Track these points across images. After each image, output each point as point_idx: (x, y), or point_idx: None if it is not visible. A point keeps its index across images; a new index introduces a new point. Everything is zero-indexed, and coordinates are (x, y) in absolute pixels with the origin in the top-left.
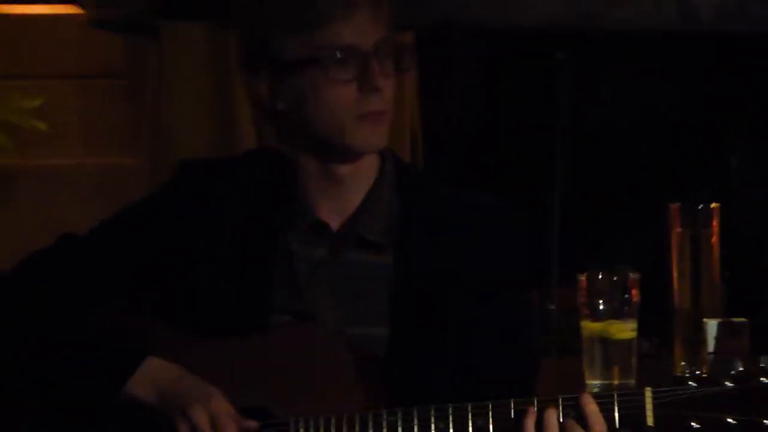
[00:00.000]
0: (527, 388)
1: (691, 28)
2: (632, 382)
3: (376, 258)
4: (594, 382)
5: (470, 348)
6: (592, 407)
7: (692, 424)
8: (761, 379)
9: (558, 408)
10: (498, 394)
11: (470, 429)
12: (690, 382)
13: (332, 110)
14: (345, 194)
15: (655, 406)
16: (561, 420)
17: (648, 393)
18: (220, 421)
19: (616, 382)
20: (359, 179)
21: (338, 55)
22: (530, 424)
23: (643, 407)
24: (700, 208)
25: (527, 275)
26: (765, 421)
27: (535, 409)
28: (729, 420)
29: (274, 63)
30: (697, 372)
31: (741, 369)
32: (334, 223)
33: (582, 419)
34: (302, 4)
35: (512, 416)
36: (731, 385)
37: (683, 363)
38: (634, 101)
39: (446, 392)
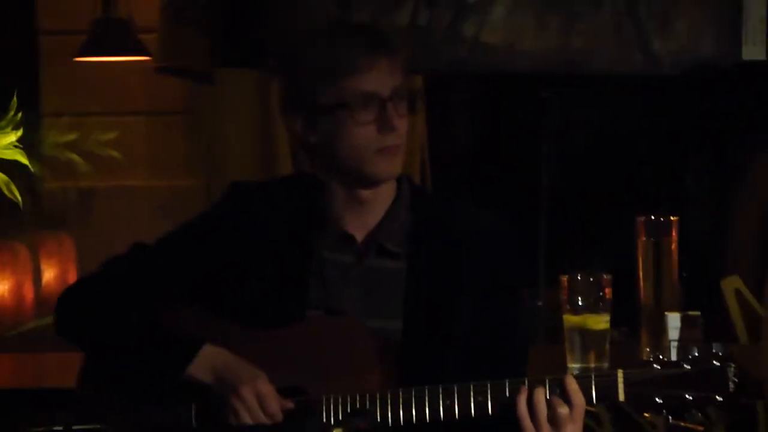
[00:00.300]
0: (519, 372)
1: (654, 72)
2: (606, 365)
3: (394, 264)
4: (574, 365)
5: (471, 338)
6: (573, 386)
7: (656, 399)
8: (713, 362)
9: (545, 387)
10: (495, 377)
11: (472, 404)
12: (655, 365)
13: (355, 146)
14: (368, 212)
15: (626, 385)
16: (548, 397)
17: (619, 374)
18: (265, 399)
19: (592, 365)
20: (380, 200)
21: (361, 102)
22: (522, 400)
23: (615, 386)
24: (661, 220)
25: (518, 279)
26: (717, 397)
27: (526, 387)
28: (687, 396)
29: (309, 105)
30: (660, 356)
31: (696, 354)
32: (359, 235)
33: (565, 396)
34: (333, 58)
35: (507, 394)
36: (689, 367)
37: (648, 349)
38: (607, 131)
39: (452, 375)
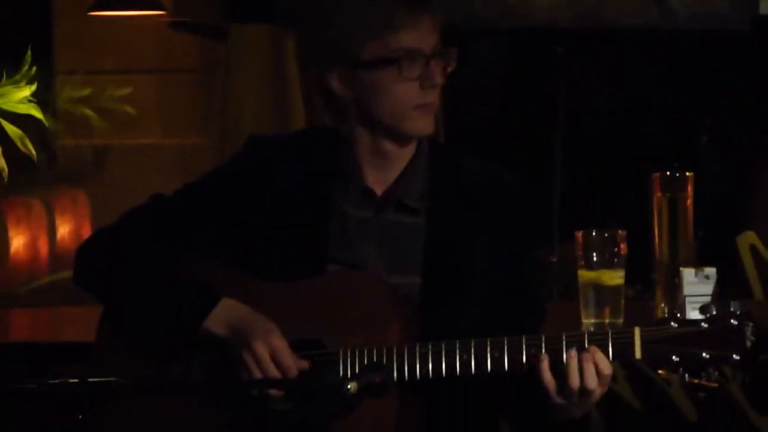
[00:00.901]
0: (537, 329)
1: (669, 27)
2: (621, 321)
3: (412, 219)
4: (589, 321)
5: (489, 294)
6: (600, 356)
7: (673, 357)
8: (731, 320)
9: (575, 354)
10: (512, 333)
11: (489, 360)
12: (672, 323)
13: (397, 102)
14: (389, 167)
15: (643, 343)
16: (580, 366)
17: (636, 332)
18: (278, 353)
19: (607, 321)
20: (402, 155)
21: (408, 57)
22: (546, 368)
23: (632, 343)
24: (677, 175)
25: (534, 235)
26: (734, 356)
27: (547, 356)
28: (704, 354)
29: (349, 60)
30: (677, 314)
31: (713, 312)
32: (379, 189)
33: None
34: (377, 14)
35: (524, 351)
36: (706, 325)
37: (663, 305)
38: (622, 88)
39: (470, 331)
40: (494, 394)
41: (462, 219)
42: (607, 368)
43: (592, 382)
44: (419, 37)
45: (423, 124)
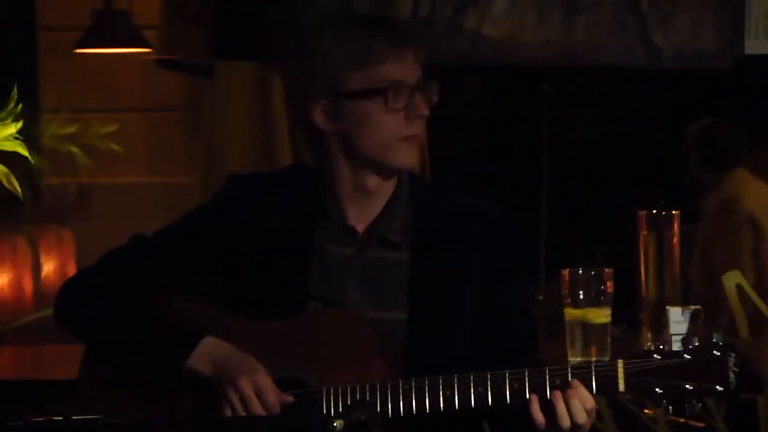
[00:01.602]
0: (530, 361)
1: (655, 65)
2: (607, 359)
3: (395, 255)
4: (575, 359)
5: (477, 327)
6: (582, 391)
7: (656, 389)
8: (713, 352)
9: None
10: (503, 367)
11: (472, 396)
12: (655, 355)
13: (383, 133)
14: (371, 203)
15: (626, 375)
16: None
17: (620, 364)
18: (263, 391)
19: (593, 359)
20: (383, 190)
21: (393, 88)
22: (536, 408)
23: (615, 376)
24: (663, 214)
25: (522, 265)
26: (717, 386)
27: (536, 396)
28: (687, 386)
29: (333, 92)
30: (661, 347)
31: (696, 344)
32: (360, 226)
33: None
34: (361, 46)
35: (507, 386)
36: (689, 357)
37: (649, 344)
38: (607, 125)
39: (458, 366)
40: (485, 425)
41: (446, 252)
42: (590, 402)
43: (581, 417)
44: (403, 68)
45: (408, 157)
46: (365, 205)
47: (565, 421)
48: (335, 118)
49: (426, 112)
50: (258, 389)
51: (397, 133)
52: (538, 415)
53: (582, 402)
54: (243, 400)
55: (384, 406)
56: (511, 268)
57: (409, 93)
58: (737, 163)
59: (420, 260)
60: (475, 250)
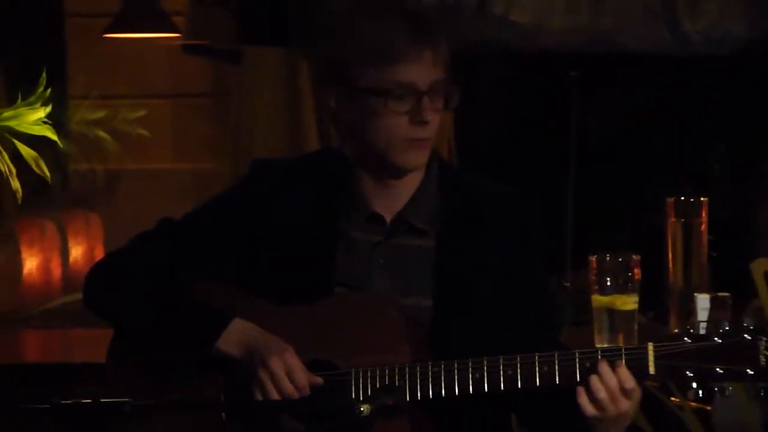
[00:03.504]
0: (551, 343)
1: (683, 52)
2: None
3: (422, 242)
4: (602, 347)
5: (499, 313)
6: (625, 372)
7: (687, 372)
8: (744, 335)
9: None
10: (526, 350)
11: (501, 378)
12: (685, 338)
13: (387, 133)
14: (397, 192)
15: (656, 358)
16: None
17: (650, 347)
18: (294, 372)
19: (621, 346)
20: (408, 181)
21: (398, 91)
22: (585, 401)
23: (646, 359)
24: (691, 200)
25: (543, 253)
26: (748, 370)
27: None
28: (717, 369)
29: (345, 84)
30: (691, 330)
31: (727, 327)
32: (388, 215)
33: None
34: (379, 42)
35: (536, 368)
36: (719, 340)
37: (676, 331)
38: (635, 112)
39: (480, 349)
40: (519, 412)
41: (471, 240)
42: (629, 381)
43: (624, 404)
44: (417, 71)
45: (414, 158)
46: (391, 194)
47: (611, 410)
48: (346, 108)
49: (430, 118)
50: (289, 369)
51: (402, 135)
52: (589, 408)
53: (621, 381)
54: (274, 380)
55: (413, 389)
56: (532, 256)
57: (416, 97)
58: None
59: (445, 247)
60: (500, 237)
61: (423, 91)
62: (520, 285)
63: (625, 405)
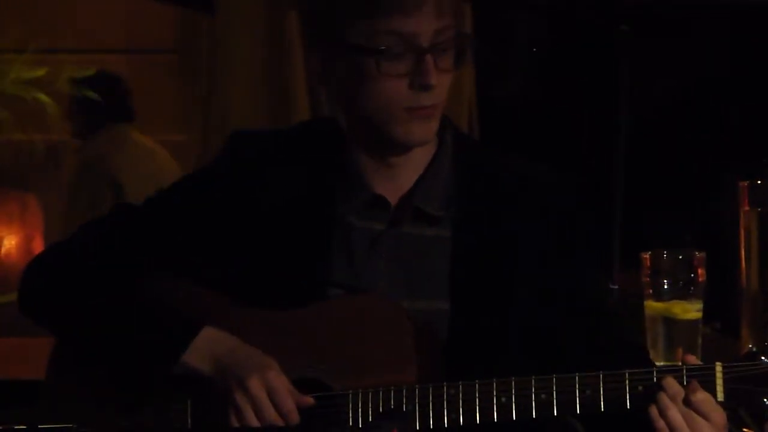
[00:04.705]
0: (602, 357)
1: (755, 2)
2: (698, 362)
3: (435, 231)
4: (658, 363)
5: (534, 321)
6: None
7: (764, 400)
8: None
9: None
10: (567, 368)
11: (534, 403)
12: (762, 358)
13: (383, 100)
14: (402, 171)
15: (726, 381)
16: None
17: (718, 368)
18: (277, 393)
19: (680, 363)
20: (415, 157)
21: (395, 49)
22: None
23: (713, 382)
24: None
25: (588, 242)
26: None
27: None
28: None
29: (331, 41)
30: None
31: None
32: (392, 197)
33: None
34: None
35: (577, 390)
36: None
37: (750, 345)
38: (699, 75)
39: (511, 368)
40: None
41: (496, 227)
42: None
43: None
44: (416, 23)
45: (418, 131)
46: (395, 174)
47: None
48: (335, 72)
49: (435, 80)
50: (271, 390)
51: (401, 103)
52: (660, 424)
53: (701, 408)
54: (253, 404)
55: (424, 415)
56: (573, 244)
57: (416, 56)
58: None
59: (465, 237)
60: (532, 224)
61: (424, 47)
62: (563, 285)
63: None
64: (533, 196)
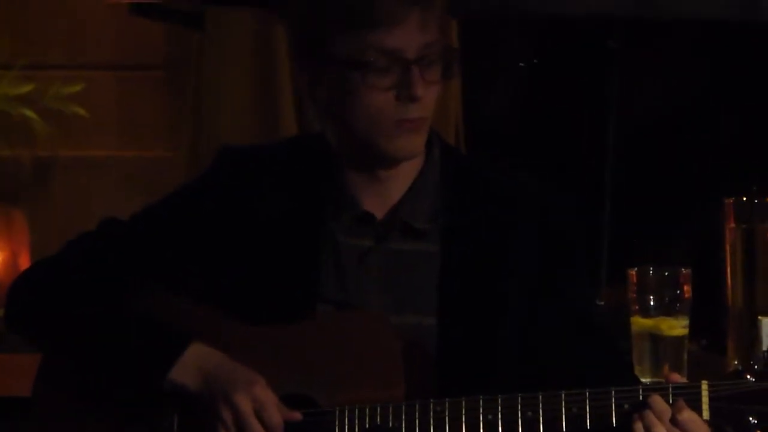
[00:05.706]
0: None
1: (748, 18)
2: (683, 380)
3: (423, 246)
4: (644, 380)
5: (525, 337)
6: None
7: (750, 419)
8: None
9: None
10: (559, 384)
11: (520, 421)
12: (748, 376)
13: (370, 113)
14: (390, 185)
15: (711, 400)
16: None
17: (704, 386)
18: (264, 409)
19: (667, 383)
20: (402, 172)
21: (380, 62)
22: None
23: (698, 401)
24: (755, 202)
25: (576, 255)
26: None
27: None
28: None
29: (317, 55)
30: (755, 365)
31: None
32: (379, 212)
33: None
34: (356, 4)
35: (562, 409)
36: None
37: (736, 362)
38: (687, 92)
39: (499, 385)
40: None
41: (484, 241)
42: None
43: None
44: (401, 36)
45: (406, 144)
46: (383, 189)
47: None
48: (322, 85)
49: (422, 92)
50: (258, 406)
51: (389, 116)
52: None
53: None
54: (240, 420)
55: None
56: (562, 257)
57: (402, 69)
58: None
59: (453, 251)
60: (522, 237)
61: (410, 60)
62: (551, 299)
63: None
64: (521, 209)
